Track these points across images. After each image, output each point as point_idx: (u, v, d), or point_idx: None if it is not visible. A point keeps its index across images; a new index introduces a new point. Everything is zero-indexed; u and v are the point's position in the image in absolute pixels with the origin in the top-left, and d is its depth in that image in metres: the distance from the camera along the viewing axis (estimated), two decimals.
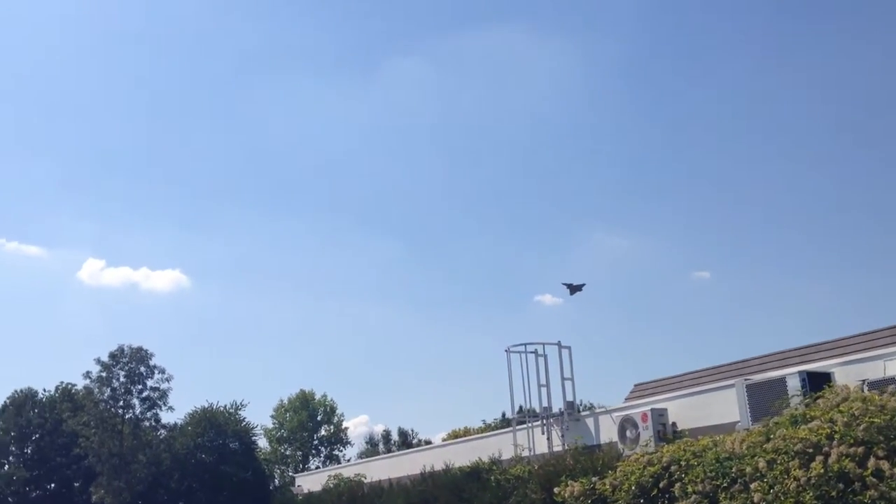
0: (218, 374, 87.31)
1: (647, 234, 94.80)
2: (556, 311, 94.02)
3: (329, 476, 20.26)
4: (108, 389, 47.82)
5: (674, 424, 16.26)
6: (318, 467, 60.11)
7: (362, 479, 19.94)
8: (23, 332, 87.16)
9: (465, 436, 52.02)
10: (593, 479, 12.97)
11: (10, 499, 48.71)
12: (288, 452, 62.51)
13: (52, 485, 55.21)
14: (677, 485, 11.89)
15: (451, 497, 14.16)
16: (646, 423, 16.16)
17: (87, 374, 48.11)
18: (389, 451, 63.78)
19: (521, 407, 20.91)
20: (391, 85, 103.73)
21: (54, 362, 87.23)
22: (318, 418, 62.37)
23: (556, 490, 12.67)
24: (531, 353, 20.33)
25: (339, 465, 35.80)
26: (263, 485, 59.79)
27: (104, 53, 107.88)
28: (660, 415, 16.41)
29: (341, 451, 62.75)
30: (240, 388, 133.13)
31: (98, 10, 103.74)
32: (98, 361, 47.74)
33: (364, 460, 36.61)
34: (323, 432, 62.88)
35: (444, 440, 59.84)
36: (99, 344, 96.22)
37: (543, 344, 20.30)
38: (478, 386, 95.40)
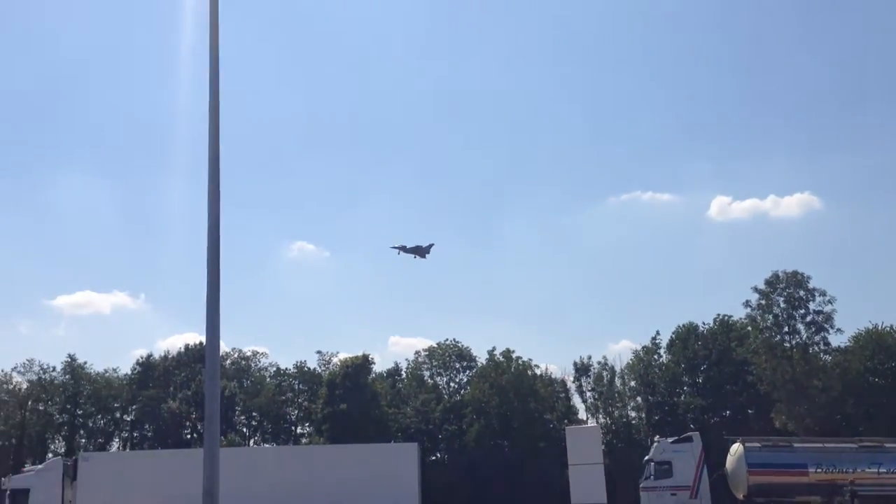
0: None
1: None
2: None
3: None
4: (770, 316, 47.75)
5: None
6: None
7: None
8: (664, 271, 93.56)
9: None
10: None
11: (691, 425, 52.04)
12: None
13: (727, 412, 57.68)
14: None
15: None
16: None
17: (747, 303, 48.73)
18: None
19: None
20: None
21: (701, 297, 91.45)
22: None
23: None
24: None
25: None
26: None
27: None
28: None
29: None
30: None
31: None
32: (755, 290, 47.96)
33: None
34: None
35: None
36: (736, 277, 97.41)
37: None
38: None
